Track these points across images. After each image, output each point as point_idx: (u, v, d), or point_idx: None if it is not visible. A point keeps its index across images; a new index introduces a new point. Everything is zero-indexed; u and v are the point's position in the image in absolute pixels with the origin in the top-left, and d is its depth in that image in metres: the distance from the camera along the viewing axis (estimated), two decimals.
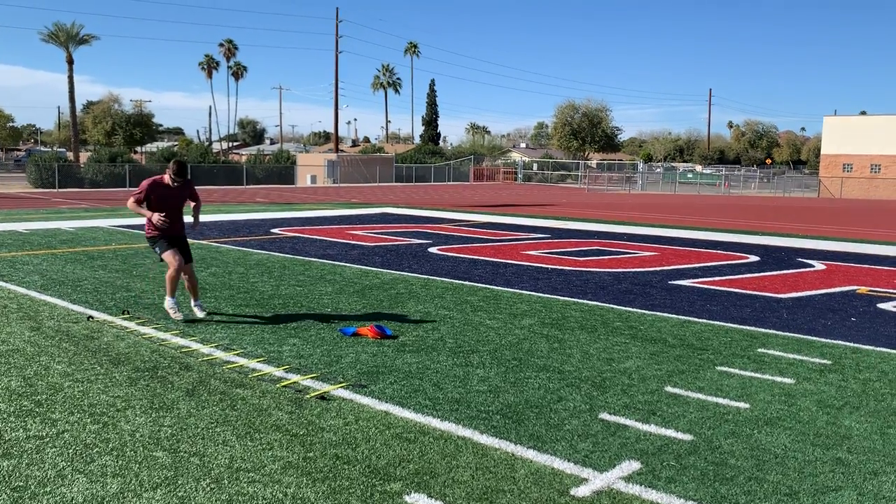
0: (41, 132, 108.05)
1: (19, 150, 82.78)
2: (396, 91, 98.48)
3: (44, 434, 4.40)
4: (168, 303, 7.45)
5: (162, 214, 7.23)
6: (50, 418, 4.66)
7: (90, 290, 8.93)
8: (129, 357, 6.08)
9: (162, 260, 7.47)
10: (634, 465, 4.10)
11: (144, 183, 7.38)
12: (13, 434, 4.39)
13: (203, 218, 19.83)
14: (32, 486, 3.71)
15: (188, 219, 7.66)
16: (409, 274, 10.66)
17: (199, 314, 7.57)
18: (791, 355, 6.54)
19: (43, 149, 79.03)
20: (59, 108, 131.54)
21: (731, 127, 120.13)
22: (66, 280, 9.64)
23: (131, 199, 7.41)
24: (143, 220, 7.54)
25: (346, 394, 5.22)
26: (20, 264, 10.95)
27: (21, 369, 5.69)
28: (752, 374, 5.92)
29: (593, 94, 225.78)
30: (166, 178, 7.30)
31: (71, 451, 4.16)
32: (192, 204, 7.79)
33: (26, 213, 21.32)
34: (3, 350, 6.23)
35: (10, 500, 3.56)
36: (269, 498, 3.64)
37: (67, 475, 3.85)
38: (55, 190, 36.26)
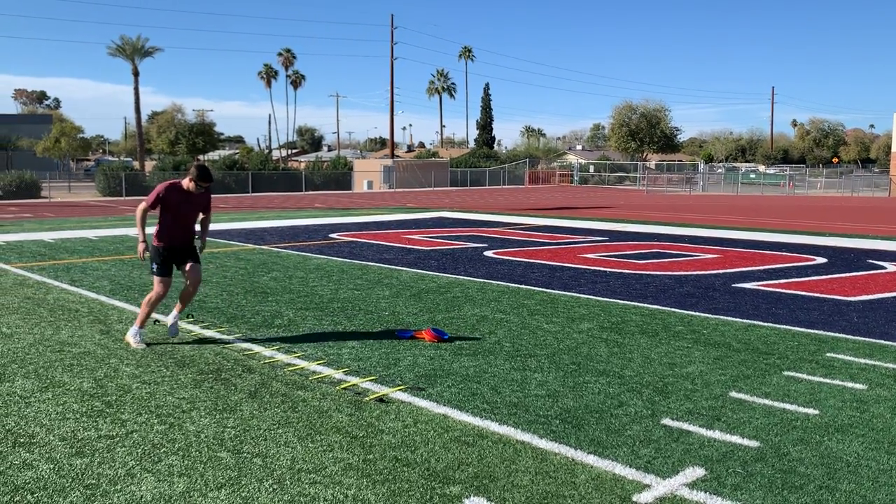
0: (109, 142, 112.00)
1: (88, 160, 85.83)
2: (451, 96, 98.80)
3: (114, 434, 4.54)
4: (131, 332, 6.75)
5: (144, 248, 6.61)
6: (119, 418, 4.81)
7: None
8: (193, 360, 6.23)
9: (151, 273, 6.83)
10: (699, 472, 4.00)
11: (160, 186, 6.61)
12: (85, 433, 4.55)
13: (264, 224, 20.25)
14: (104, 485, 3.83)
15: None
16: (465, 277, 10.66)
17: (169, 322, 6.88)
18: (862, 360, 6.30)
19: (110, 158, 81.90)
20: (125, 118, 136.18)
21: (794, 125, 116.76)
22: (133, 285, 9.94)
23: (141, 206, 6.61)
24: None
25: (405, 396, 5.24)
26: (90, 270, 11.35)
27: (92, 371, 5.90)
28: (821, 380, 5.72)
29: (651, 93, 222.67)
30: (185, 183, 6.63)
31: (140, 450, 4.29)
32: (202, 217, 6.94)
33: (95, 220, 22.10)
34: (76, 352, 6.46)
35: (83, 497, 3.68)
36: (330, 499, 3.67)
37: (136, 474, 3.96)
38: (122, 198, 37.50)
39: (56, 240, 15.88)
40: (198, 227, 6.98)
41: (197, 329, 7.33)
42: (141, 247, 6.62)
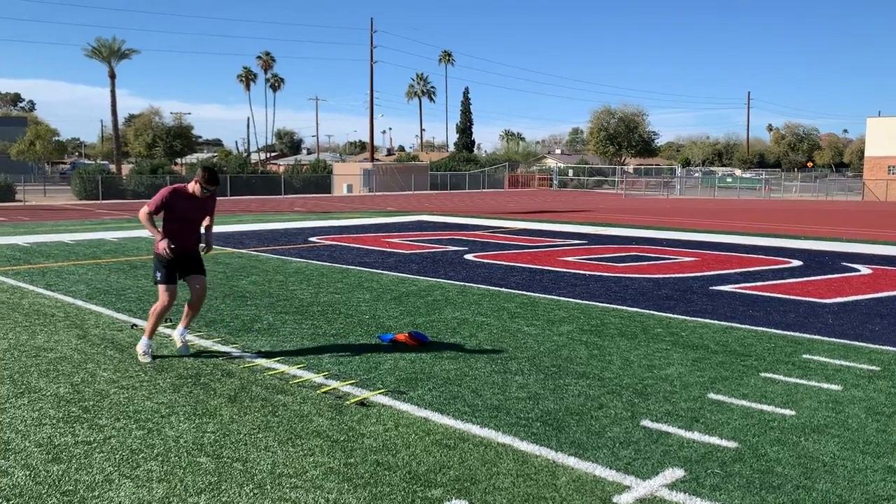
0: (85, 145, 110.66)
1: (64, 163, 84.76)
2: (431, 99, 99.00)
3: (91, 439, 4.49)
4: (142, 344, 6.36)
5: (169, 243, 6.16)
6: (97, 424, 4.76)
7: (134, 299, 9.11)
8: (172, 364, 6.18)
9: (155, 283, 6.38)
10: (678, 473, 4.04)
11: (164, 191, 6.25)
12: (62, 439, 4.49)
13: (243, 227, 20.13)
14: (81, 491, 3.79)
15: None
16: (446, 281, 10.67)
17: (178, 343, 6.53)
18: (838, 361, 6.39)
19: (87, 161, 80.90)
20: (101, 121, 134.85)
21: (770, 130, 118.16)
22: (110, 289, 9.84)
23: (144, 210, 6.17)
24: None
25: (386, 400, 5.24)
26: (67, 274, 11.21)
27: (69, 376, 5.82)
28: (798, 381, 5.79)
29: (629, 98, 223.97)
30: (191, 187, 6.26)
31: (118, 456, 4.24)
32: (206, 221, 6.60)
33: (72, 224, 21.84)
34: (52, 357, 6.38)
35: None
36: (311, 503, 3.66)
37: (115, 480, 3.92)
38: (99, 201, 37.08)
39: (31, 244, 15.67)
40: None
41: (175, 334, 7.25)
42: (163, 243, 6.13)
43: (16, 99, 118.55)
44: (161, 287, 6.29)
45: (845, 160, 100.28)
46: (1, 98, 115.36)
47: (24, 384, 5.61)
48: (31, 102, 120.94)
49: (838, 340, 7.17)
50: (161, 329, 7.32)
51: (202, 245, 6.58)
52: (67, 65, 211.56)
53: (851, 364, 6.31)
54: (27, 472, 4.00)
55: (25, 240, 16.53)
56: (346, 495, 3.75)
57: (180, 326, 6.59)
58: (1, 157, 59.53)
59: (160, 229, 6.25)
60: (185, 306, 6.54)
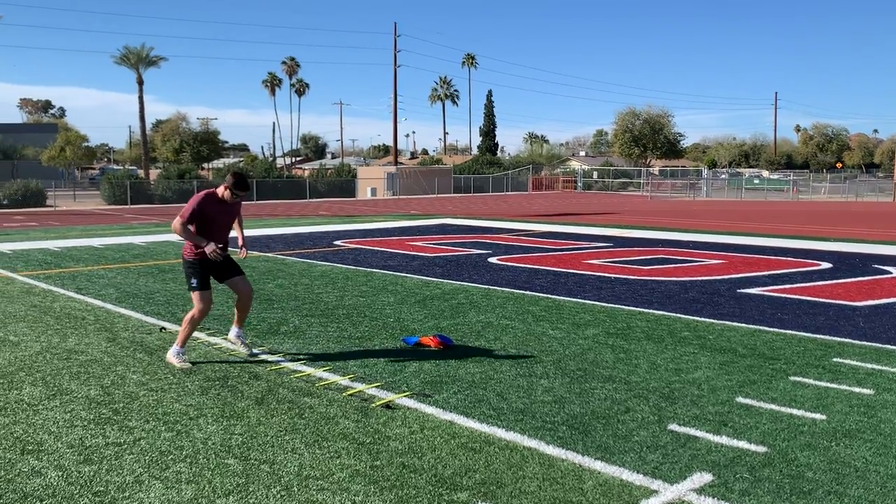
0: (113, 151, 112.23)
1: (93, 168, 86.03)
2: (454, 103, 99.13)
3: (122, 441, 4.56)
4: (173, 353, 6.32)
5: (219, 246, 6.20)
6: (127, 426, 4.83)
7: (162, 303, 9.22)
8: (199, 367, 6.24)
9: (190, 290, 6.35)
10: (706, 477, 4.00)
11: (195, 199, 6.20)
12: (93, 441, 4.56)
13: (269, 231, 20.30)
14: (112, 492, 3.84)
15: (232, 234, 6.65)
16: (470, 284, 10.67)
17: (242, 349, 6.57)
18: (869, 365, 6.29)
19: (115, 167, 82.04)
20: (129, 127, 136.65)
21: (798, 131, 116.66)
22: (139, 293, 9.97)
23: (178, 221, 6.12)
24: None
25: (411, 403, 5.25)
26: (96, 278, 11.38)
27: (99, 378, 5.91)
28: (828, 385, 5.71)
29: (654, 99, 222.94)
30: (220, 191, 6.29)
31: (147, 457, 4.30)
32: (238, 226, 6.70)
33: (101, 228, 22.17)
34: (83, 360, 6.48)
35: None
36: None
37: (144, 481, 3.97)
38: (127, 206, 37.61)
39: (62, 248, 15.93)
40: (232, 234, 6.63)
41: (203, 336, 7.34)
42: (210, 246, 6.11)
43: (46, 106, 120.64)
44: (196, 294, 6.25)
45: (875, 160, 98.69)
46: (32, 105, 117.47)
47: (55, 386, 5.70)
48: (62, 109, 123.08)
49: (869, 344, 7.06)
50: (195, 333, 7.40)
51: (235, 249, 6.65)
52: (97, 72, 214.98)
53: (883, 368, 6.21)
54: (60, 473, 4.07)
55: (56, 244, 16.81)
56: (372, 497, 3.76)
57: (235, 328, 6.66)
58: (32, 163, 60.61)
59: (196, 236, 6.20)
60: (234, 308, 6.64)
